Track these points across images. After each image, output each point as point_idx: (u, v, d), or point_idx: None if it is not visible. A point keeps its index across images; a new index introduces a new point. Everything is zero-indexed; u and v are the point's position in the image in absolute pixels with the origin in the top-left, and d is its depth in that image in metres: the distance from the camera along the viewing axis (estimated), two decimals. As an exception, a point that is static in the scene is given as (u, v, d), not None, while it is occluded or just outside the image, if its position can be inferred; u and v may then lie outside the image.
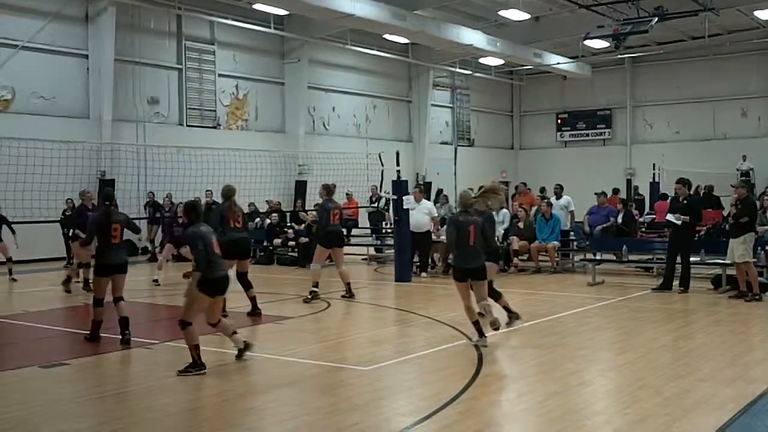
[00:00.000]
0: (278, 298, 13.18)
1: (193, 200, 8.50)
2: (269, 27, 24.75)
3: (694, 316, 11.43)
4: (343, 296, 12.74)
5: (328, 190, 13.03)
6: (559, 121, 36.78)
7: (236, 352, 8.19)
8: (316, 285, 12.49)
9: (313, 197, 22.58)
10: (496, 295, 10.02)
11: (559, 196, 18.26)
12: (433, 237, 16.20)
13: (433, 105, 32.85)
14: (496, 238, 12.02)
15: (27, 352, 9.11)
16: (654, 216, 21.10)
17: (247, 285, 11.23)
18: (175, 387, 7.33)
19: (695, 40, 29.69)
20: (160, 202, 20.79)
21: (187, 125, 24.04)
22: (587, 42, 27.04)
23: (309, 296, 12.46)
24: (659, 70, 33.63)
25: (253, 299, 11.20)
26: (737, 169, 28.73)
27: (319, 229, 13.19)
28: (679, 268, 13.18)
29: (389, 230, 19.42)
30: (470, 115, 35.75)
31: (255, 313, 11.10)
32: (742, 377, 7.38)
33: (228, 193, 11.16)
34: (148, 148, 20.28)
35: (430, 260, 16.50)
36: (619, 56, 31.46)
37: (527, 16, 26.11)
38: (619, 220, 17.78)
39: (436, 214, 16.55)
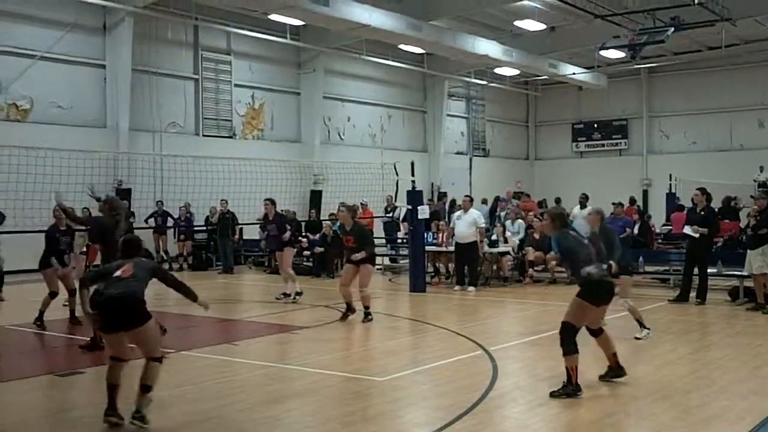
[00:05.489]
0: (293, 308, 13.20)
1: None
2: (285, 37, 24.87)
3: (711, 328, 11.35)
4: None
5: (354, 212, 12.16)
6: (574, 131, 36.70)
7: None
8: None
9: (328, 207, 22.69)
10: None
11: (583, 206, 18.14)
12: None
13: (448, 115, 32.86)
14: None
15: (42, 360, 9.16)
16: (670, 227, 20.99)
17: None
18: (188, 396, 7.34)
19: (712, 50, 29.54)
20: (171, 211, 20.89)
21: (204, 135, 24.17)
22: (603, 52, 26.94)
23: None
24: (675, 81, 33.49)
25: None
26: (754, 180, 28.51)
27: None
28: (696, 279, 13.10)
29: (404, 240, 19.42)
30: (485, 125, 35.73)
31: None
32: (760, 390, 7.32)
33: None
34: (165, 157, 20.39)
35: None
36: (635, 66, 31.34)
37: (543, 27, 26.10)
38: (635, 231, 17.69)
39: (483, 225, 15.94)
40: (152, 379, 6.25)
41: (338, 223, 20.14)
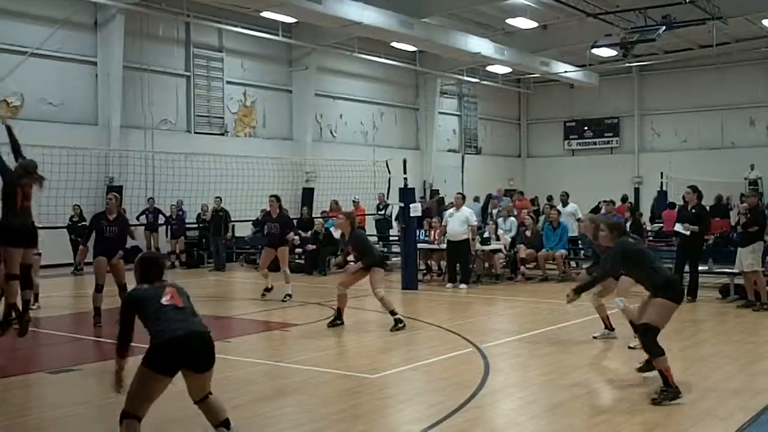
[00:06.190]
0: (285, 306, 13.19)
1: None
2: (277, 35, 24.84)
3: (702, 325, 11.38)
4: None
5: (352, 219, 11.06)
6: (566, 129, 36.78)
7: None
8: None
9: (320, 204, 22.71)
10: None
11: (565, 204, 18.31)
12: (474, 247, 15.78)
13: (440, 113, 32.89)
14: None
15: (34, 358, 9.13)
16: (662, 225, 21.06)
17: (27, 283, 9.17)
18: (181, 394, 7.31)
19: (703, 48, 29.66)
20: (163, 208, 20.83)
21: (195, 132, 24.13)
22: (595, 50, 27.05)
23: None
24: (667, 79, 33.60)
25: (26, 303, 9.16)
26: (745, 178, 28.66)
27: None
28: (687, 277, 13.15)
29: (396, 238, 19.42)
30: (477, 123, 35.78)
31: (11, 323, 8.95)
32: (750, 388, 7.35)
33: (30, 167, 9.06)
34: (156, 154, 20.37)
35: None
36: (627, 65, 31.44)
37: (535, 25, 26.14)
38: (627, 228, 17.73)
39: (475, 223, 15.84)
40: (225, 410, 5.46)
41: (331, 222, 20.29)
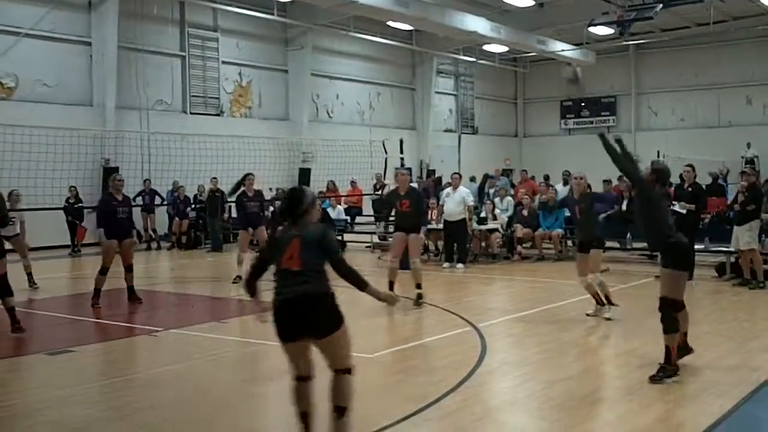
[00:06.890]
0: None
1: None
2: (272, 14, 24.68)
3: (698, 303, 11.41)
4: None
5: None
6: (563, 108, 36.70)
7: None
8: None
9: (317, 185, 22.68)
10: None
11: (566, 182, 18.28)
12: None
13: (436, 92, 32.77)
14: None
15: (33, 339, 9.14)
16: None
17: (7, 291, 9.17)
18: (180, 374, 7.35)
19: (700, 26, 29.51)
20: (159, 189, 20.77)
21: (191, 113, 24.02)
22: (592, 29, 26.89)
23: None
24: (664, 57, 33.48)
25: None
26: (742, 157, 28.66)
27: None
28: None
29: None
30: (474, 102, 35.68)
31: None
32: (746, 365, 7.39)
33: None
34: (152, 135, 20.31)
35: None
36: (624, 43, 31.30)
37: (531, 3, 26.00)
38: (624, 207, 17.74)
39: (472, 202, 15.80)
40: (347, 398, 5.05)
41: (327, 202, 20.28)
